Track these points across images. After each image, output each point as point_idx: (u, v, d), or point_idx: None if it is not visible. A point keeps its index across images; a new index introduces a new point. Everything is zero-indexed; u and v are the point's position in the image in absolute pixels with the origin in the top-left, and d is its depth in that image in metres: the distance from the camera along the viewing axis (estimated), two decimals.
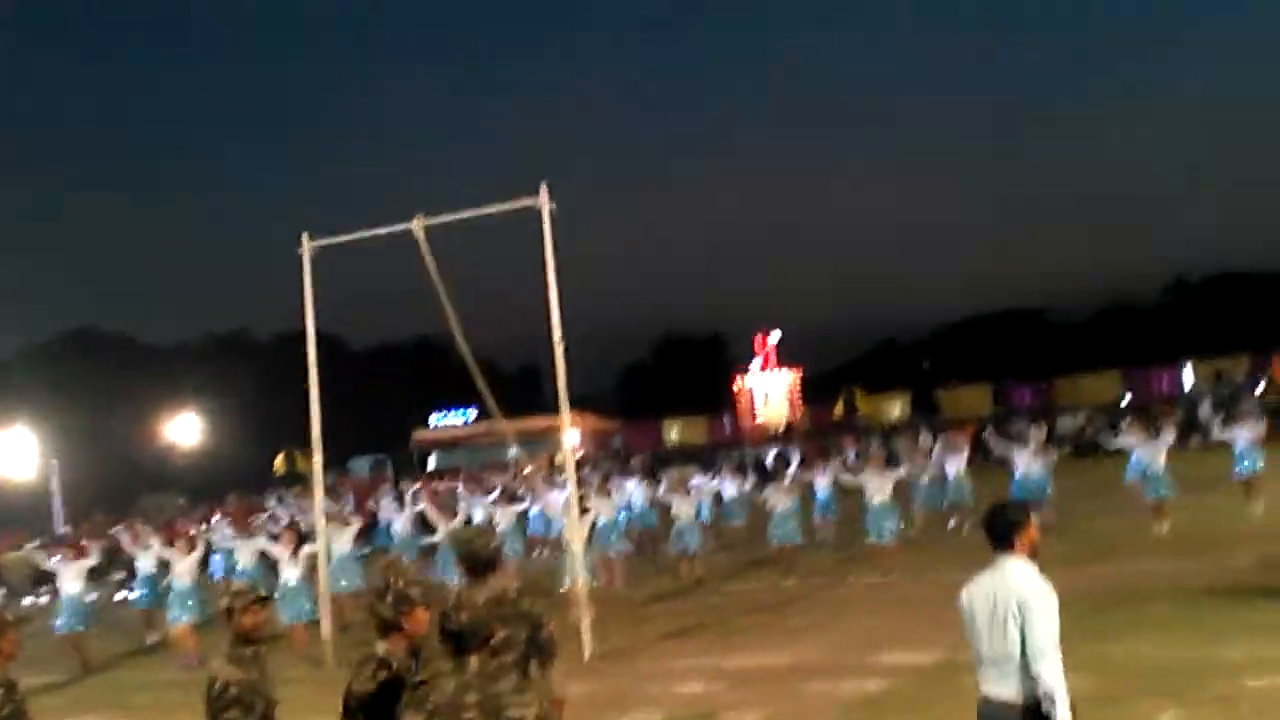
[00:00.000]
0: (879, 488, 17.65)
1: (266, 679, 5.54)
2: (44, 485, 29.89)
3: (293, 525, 18.12)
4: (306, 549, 15.83)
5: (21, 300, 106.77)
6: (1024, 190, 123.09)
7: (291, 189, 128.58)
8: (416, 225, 13.35)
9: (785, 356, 55.34)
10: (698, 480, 22.57)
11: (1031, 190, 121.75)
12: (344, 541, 18.28)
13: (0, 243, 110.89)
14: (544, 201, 13.18)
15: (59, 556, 18.43)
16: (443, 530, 18.14)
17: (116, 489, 47.54)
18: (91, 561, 18.25)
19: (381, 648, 4.77)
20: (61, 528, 26.32)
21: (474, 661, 4.20)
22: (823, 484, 21.51)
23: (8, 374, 61.92)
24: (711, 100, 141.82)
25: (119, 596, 22.79)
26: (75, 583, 16.99)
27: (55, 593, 17.49)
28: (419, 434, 54.03)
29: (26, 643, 5.78)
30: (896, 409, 53.44)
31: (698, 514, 20.12)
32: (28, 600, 23.79)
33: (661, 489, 21.28)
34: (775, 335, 55.29)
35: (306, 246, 14.68)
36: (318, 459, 15.20)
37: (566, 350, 13.48)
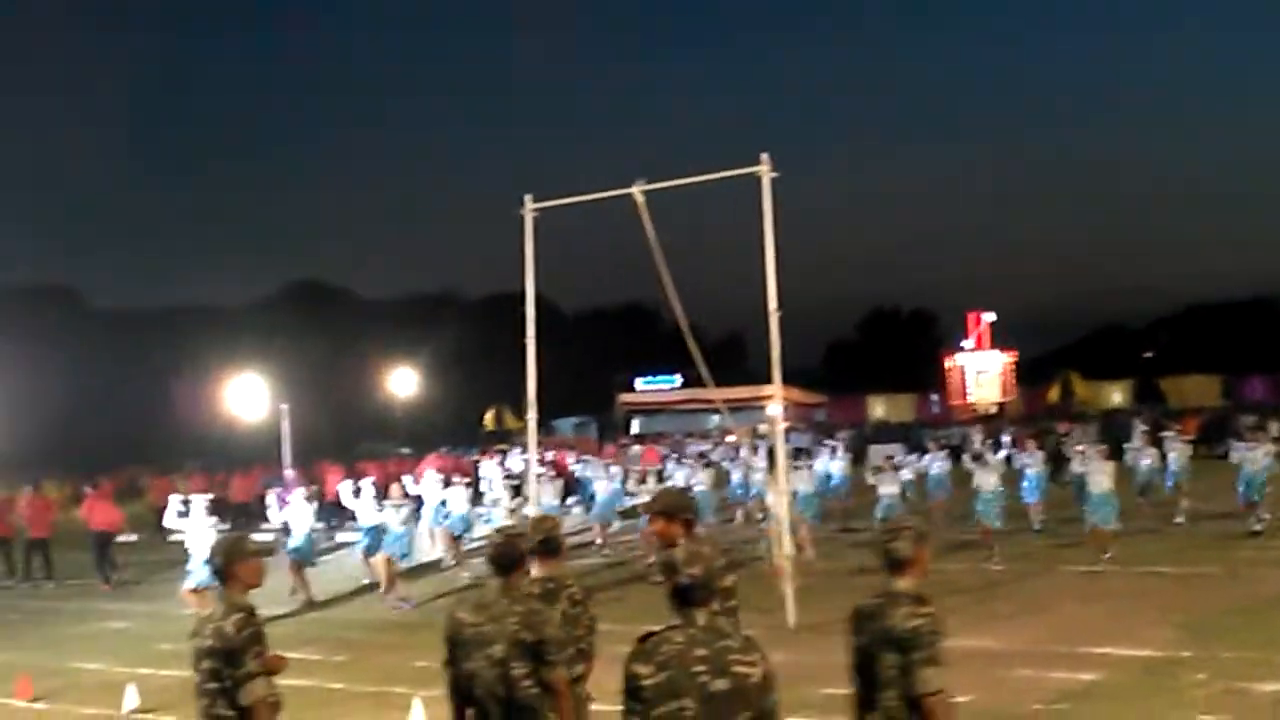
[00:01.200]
0: (1101, 476, 17.13)
1: None
2: (274, 428, 31.44)
3: (510, 476, 18.73)
4: (518, 500, 16.34)
5: (253, 254, 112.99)
6: (1253, 174, 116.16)
7: (510, 153, 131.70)
8: (637, 190, 13.46)
9: (999, 338, 53.86)
10: (905, 459, 22.35)
11: (1263, 173, 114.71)
12: (549, 496, 18.84)
13: (235, 201, 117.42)
14: (765, 170, 13.12)
15: (292, 493, 19.45)
16: (648, 491, 18.54)
17: (340, 435, 49.85)
18: (313, 506, 19.22)
19: (901, 584, 4.94)
20: (290, 469, 27.66)
21: (701, 616, 4.21)
22: (1032, 467, 21.00)
23: (240, 323, 65.40)
24: (933, 78, 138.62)
25: (339, 538, 23.89)
26: (305, 520, 17.92)
27: (285, 529, 18.42)
28: (624, 397, 54.64)
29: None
30: (1117, 396, 51.55)
31: (903, 493, 19.87)
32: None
33: (868, 467, 21.14)
34: (989, 316, 53.85)
35: (529, 208, 14.98)
36: (532, 416, 15.59)
37: (780, 320, 13.42)
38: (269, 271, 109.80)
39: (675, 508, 5.84)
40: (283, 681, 5.55)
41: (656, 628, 4.24)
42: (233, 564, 5.60)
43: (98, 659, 14.07)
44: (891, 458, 21.09)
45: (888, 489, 19.14)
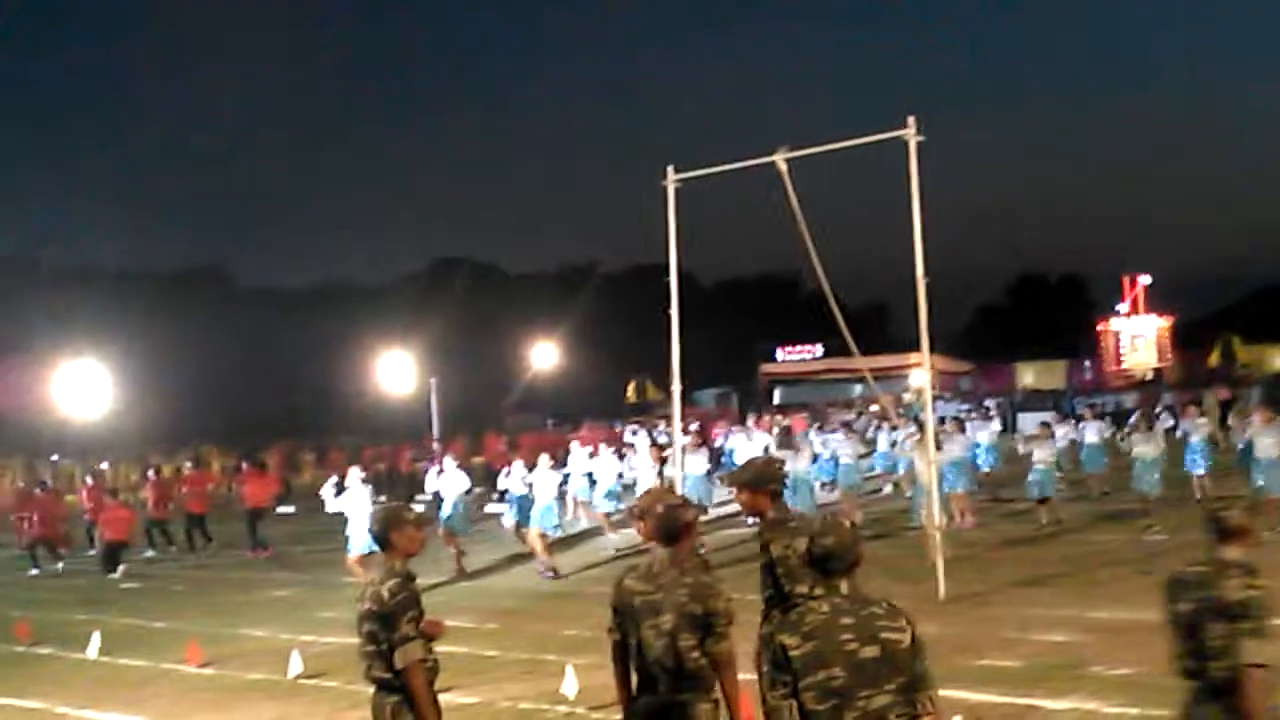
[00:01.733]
0: (1268, 441, 16.43)
1: None
2: (421, 402, 32.19)
3: (656, 444, 18.88)
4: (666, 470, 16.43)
5: (402, 232, 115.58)
6: None
7: (647, 124, 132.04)
8: (779, 157, 13.31)
9: (1155, 301, 52.06)
10: (1060, 426, 21.88)
11: None
12: (697, 465, 18.87)
13: (383, 180, 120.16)
14: (911, 133, 12.84)
15: (438, 467, 19.90)
16: (791, 464, 18.45)
17: (486, 408, 50.76)
18: (465, 476, 19.64)
19: (1230, 553, 4.95)
20: (438, 440, 28.30)
21: (844, 585, 4.19)
22: (1195, 435, 20.27)
23: (388, 300, 67.04)
24: (1077, 38, 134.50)
25: (489, 509, 24.34)
26: (457, 489, 18.30)
27: (437, 498, 18.82)
28: (765, 368, 54.49)
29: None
30: None
31: (1057, 462, 19.35)
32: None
33: (1018, 435, 20.70)
34: (1144, 279, 52.09)
35: (670, 180, 14.94)
36: (676, 388, 15.63)
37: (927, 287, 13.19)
38: (417, 249, 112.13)
39: (761, 478, 5.99)
40: (437, 648, 5.67)
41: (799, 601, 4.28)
42: (390, 532, 5.73)
43: (261, 626, 14.60)
44: (1048, 424, 20.53)
45: (1042, 454, 18.62)
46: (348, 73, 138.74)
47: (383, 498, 22.18)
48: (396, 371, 32.02)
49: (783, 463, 6.72)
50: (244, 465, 25.07)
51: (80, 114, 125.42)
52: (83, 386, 26.80)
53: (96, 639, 13.56)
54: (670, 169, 14.99)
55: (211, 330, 62.57)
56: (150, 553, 23.10)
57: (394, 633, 5.44)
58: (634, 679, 5.32)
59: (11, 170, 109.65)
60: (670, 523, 5.45)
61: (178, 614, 16.22)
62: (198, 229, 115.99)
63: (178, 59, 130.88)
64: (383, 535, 5.76)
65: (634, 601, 5.27)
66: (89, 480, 26.04)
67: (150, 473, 24.88)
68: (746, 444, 22.21)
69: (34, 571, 21.98)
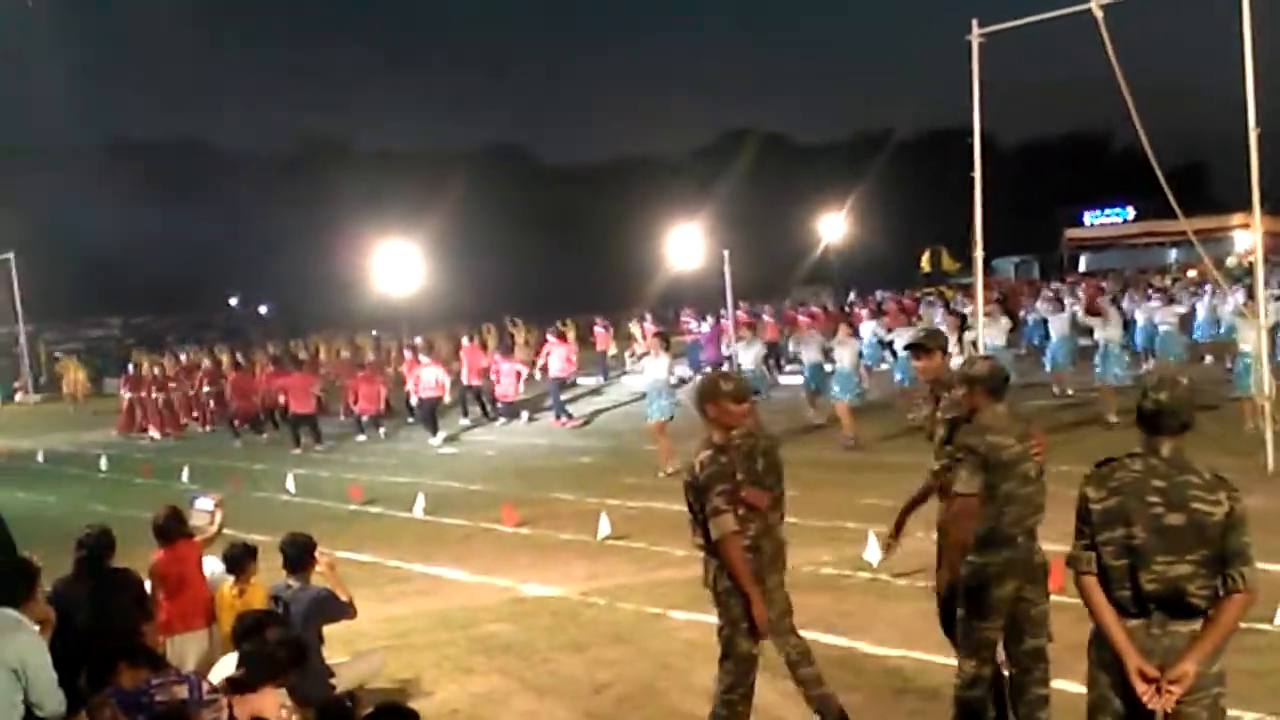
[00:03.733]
0: None
1: None
2: (710, 274, 32.35)
3: (955, 314, 18.40)
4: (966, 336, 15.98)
5: (693, 105, 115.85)
6: None
7: None
8: (1095, 5, 12.45)
9: None
10: None
11: None
12: (996, 336, 18.27)
13: (675, 54, 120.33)
14: None
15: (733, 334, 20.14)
16: (1100, 332, 17.61)
17: (775, 279, 50.75)
18: (759, 348, 19.77)
19: None
20: (732, 314, 28.40)
21: (1166, 446, 4.05)
22: None
23: (679, 174, 67.57)
24: None
25: (782, 380, 24.47)
26: (748, 360, 18.45)
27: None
28: (1071, 233, 51.81)
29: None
30: None
31: None
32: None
33: None
34: None
35: (975, 34, 14.25)
36: (979, 254, 15.15)
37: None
38: (708, 121, 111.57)
39: (933, 341, 6.14)
40: None
41: (1116, 456, 4.20)
42: (705, 402, 5.83)
43: (569, 490, 15.23)
44: None
45: None
46: None
47: (679, 368, 22.64)
48: (687, 244, 32.19)
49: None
50: (547, 339, 25.88)
51: (392, 5, 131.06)
52: (397, 264, 28.26)
53: (421, 499, 14.54)
54: (974, 23, 14.29)
55: (515, 207, 64.96)
56: (465, 421, 24.33)
57: (706, 505, 5.57)
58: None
59: (330, 60, 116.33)
60: (996, 378, 5.55)
61: (491, 478, 17.12)
62: (502, 109, 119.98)
63: None
64: (699, 406, 5.86)
65: (1002, 456, 5.37)
66: (406, 353, 27.56)
67: (465, 341, 26.00)
68: (1056, 314, 21.08)
69: (361, 438, 23.61)
